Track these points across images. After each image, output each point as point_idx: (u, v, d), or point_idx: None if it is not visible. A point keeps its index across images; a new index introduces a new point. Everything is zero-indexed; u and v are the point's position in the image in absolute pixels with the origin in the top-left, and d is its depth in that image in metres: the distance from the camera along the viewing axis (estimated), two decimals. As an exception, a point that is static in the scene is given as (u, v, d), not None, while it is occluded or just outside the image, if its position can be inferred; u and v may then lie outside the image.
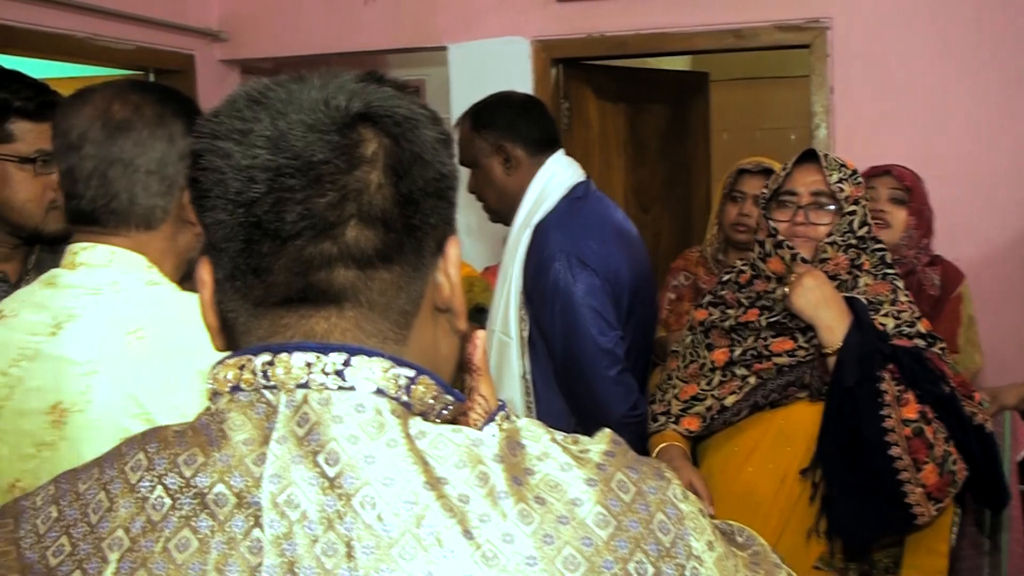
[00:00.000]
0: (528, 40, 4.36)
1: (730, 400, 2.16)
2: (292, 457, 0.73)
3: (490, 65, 4.35)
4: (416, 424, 0.76)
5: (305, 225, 0.76)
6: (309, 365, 0.77)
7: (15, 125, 2.07)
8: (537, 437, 0.78)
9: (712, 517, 0.82)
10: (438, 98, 5.54)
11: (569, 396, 2.56)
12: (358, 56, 4.72)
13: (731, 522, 0.88)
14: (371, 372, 0.77)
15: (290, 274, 0.78)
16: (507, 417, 0.87)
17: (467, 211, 4.40)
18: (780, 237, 2.14)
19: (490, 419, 0.88)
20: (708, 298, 2.34)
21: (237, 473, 0.74)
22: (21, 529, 0.79)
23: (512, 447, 0.76)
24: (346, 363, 0.77)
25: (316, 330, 0.79)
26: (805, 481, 2.05)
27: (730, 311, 2.24)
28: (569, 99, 4.48)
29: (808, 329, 2.09)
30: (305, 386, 0.76)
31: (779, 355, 2.12)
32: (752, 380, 2.14)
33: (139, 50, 4.21)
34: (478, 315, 3.12)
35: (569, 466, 0.76)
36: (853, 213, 2.12)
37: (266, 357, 0.78)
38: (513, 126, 2.65)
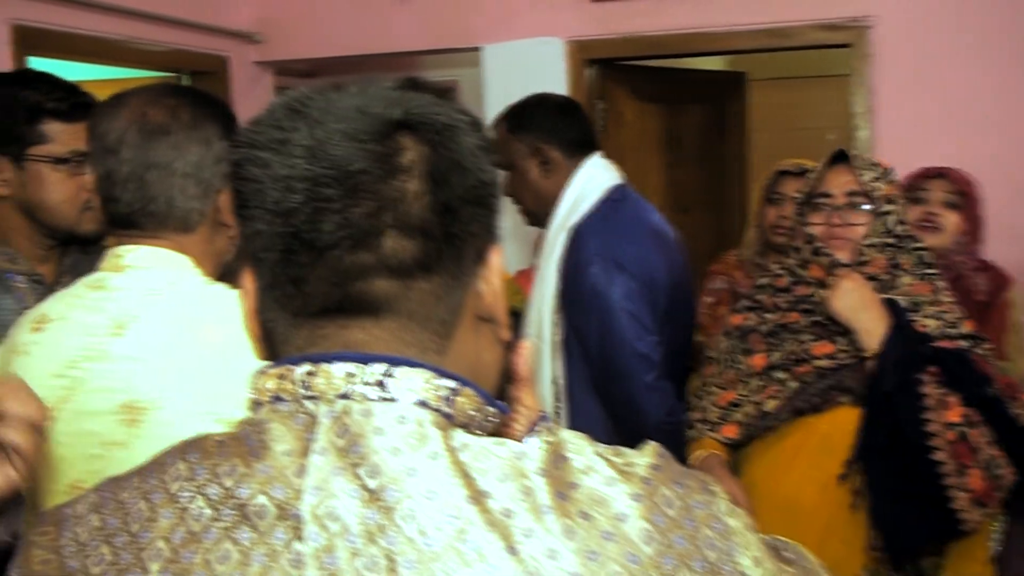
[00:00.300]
0: (563, 40, 4.35)
1: (770, 405, 2.14)
2: (333, 469, 0.74)
3: (524, 66, 4.34)
4: (458, 436, 0.76)
5: (343, 235, 0.77)
6: (350, 375, 0.77)
7: (48, 126, 2.08)
8: (581, 449, 0.77)
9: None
10: (472, 99, 5.53)
11: (606, 401, 2.55)
12: (392, 57, 4.73)
13: (779, 537, 0.86)
14: (413, 383, 0.77)
15: (328, 284, 0.78)
16: (550, 428, 0.85)
17: (502, 213, 4.38)
18: (817, 244, 2.13)
19: (533, 430, 0.91)
20: (744, 302, 2.33)
21: (278, 484, 0.74)
22: (63, 537, 0.80)
23: (556, 460, 0.75)
24: (387, 374, 0.77)
25: (353, 340, 0.79)
26: (848, 487, 2.03)
27: (768, 315, 2.23)
28: (605, 100, 4.47)
29: (849, 332, 2.07)
30: (346, 397, 0.76)
31: (819, 358, 2.11)
32: (792, 384, 2.12)
33: (173, 52, 4.24)
34: (510, 319, 3.10)
35: (614, 480, 0.75)
36: (889, 212, 2.10)
37: (307, 367, 0.78)
38: (550, 128, 2.65)
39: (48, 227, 2.14)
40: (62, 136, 2.09)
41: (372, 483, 0.73)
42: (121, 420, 1.39)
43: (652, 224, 2.68)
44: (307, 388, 0.77)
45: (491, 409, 0.82)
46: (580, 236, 2.54)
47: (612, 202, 2.61)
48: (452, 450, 0.74)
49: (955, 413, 1.94)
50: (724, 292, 3.35)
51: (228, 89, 4.54)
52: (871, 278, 2.10)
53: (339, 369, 0.77)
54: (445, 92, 0.85)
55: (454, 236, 0.80)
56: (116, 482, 0.82)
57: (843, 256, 2.11)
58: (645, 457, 0.79)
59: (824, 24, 4.05)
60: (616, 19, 4.28)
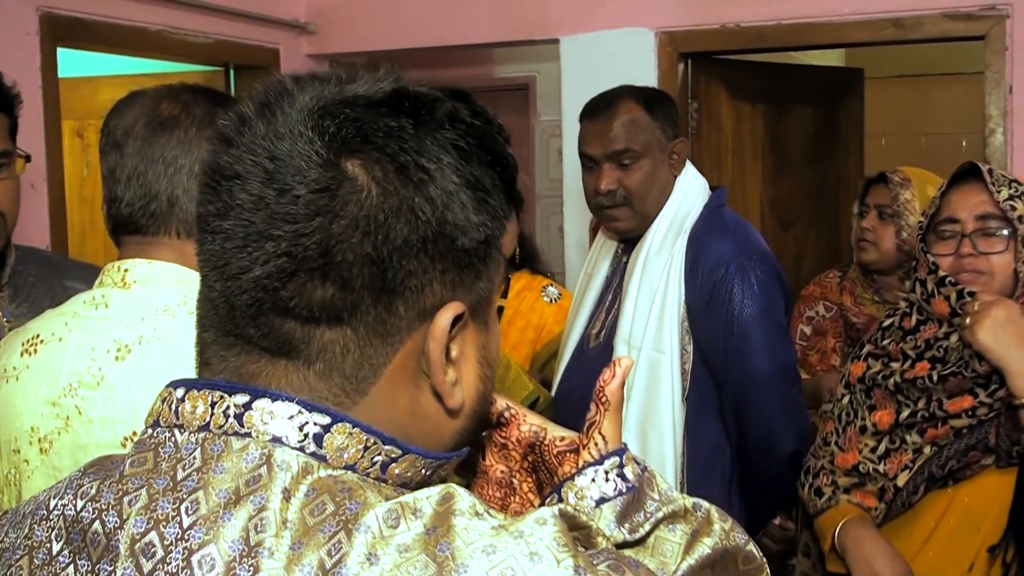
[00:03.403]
0: (652, 31, 4.34)
1: (902, 479, 2.05)
2: (160, 502, 0.76)
3: (608, 60, 4.32)
4: (319, 479, 0.76)
5: (254, 265, 0.78)
6: (213, 405, 0.79)
7: None
8: (471, 513, 0.73)
9: None
10: (548, 98, 5.51)
11: (734, 424, 2.54)
12: (459, 51, 4.74)
13: None
14: (272, 417, 0.78)
15: (235, 310, 0.80)
16: (620, 466, 0.91)
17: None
18: (942, 273, 2.03)
19: (599, 462, 0.91)
20: (867, 348, 2.23)
21: (113, 512, 0.78)
22: None
23: (393, 515, 0.73)
24: (247, 406, 0.78)
25: (243, 371, 0.81)
26: (995, 566, 1.94)
27: (894, 365, 2.12)
28: (698, 99, 4.47)
29: (989, 382, 1.96)
30: (206, 428, 0.79)
31: (956, 416, 2.00)
32: (927, 451, 2.03)
33: (219, 44, 4.30)
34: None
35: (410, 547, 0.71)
36: None
37: (180, 392, 0.81)
38: (678, 120, 2.69)
39: None
40: None
41: (187, 520, 0.74)
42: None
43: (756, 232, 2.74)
44: (177, 416, 0.81)
45: (391, 448, 0.80)
46: (704, 241, 2.55)
47: (717, 208, 2.64)
48: (287, 494, 0.75)
49: None
50: (827, 321, 3.34)
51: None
52: None
53: (205, 398, 0.80)
54: (448, 113, 0.82)
55: (382, 290, 0.79)
56: (40, 493, 0.87)
57: (978, 290, 2.00)
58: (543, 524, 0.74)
59: (954, 13, 3.99)
60: (714, 7, 4.26)
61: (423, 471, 0.83)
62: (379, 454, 0.79)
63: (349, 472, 0.78)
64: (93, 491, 0.80)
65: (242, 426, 0.77)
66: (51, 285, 2.06)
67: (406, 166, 0.78)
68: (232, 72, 4.52)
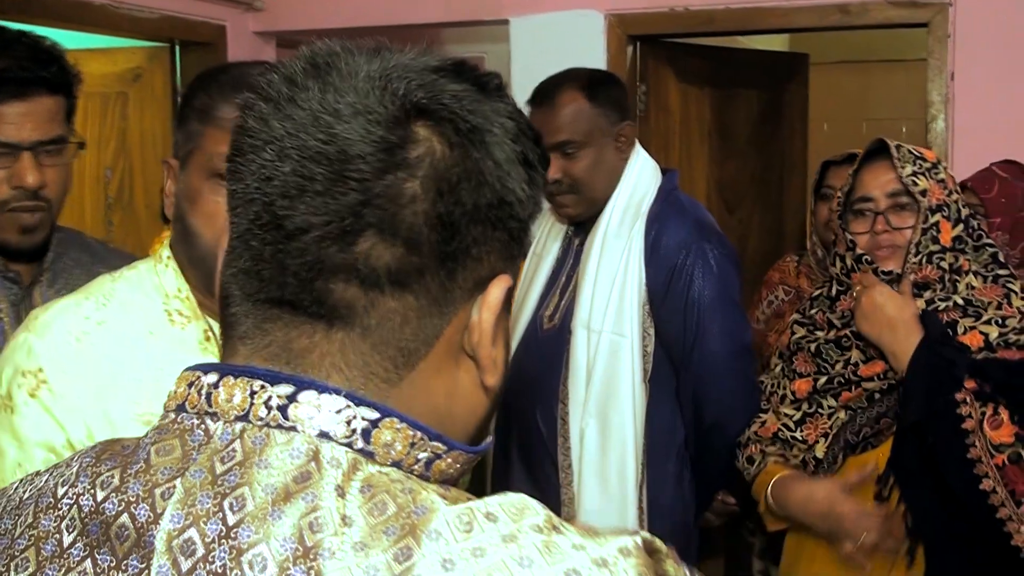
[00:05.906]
0: (602, 13, 4.35)
1: (820, 449, 2.14)
2: (199, 497, 0.73)
3: (557, 41, 4.33)
4: (367, 476, 0.73)
5: (316, 222, 0.75)
6: (253, 395, 0.76)
7: None
8: (521, 514, 0.71)
9: None
10: (497, 78, 5.47)
11: (691, 403, 2.57)
12: (409, 30, 4.71)
13: None
14: (318, 411, 0.75)
15: (287, 273, 0.76)
16: None
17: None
18: (859, 251, 2.11)
19: None
20: (795, 317, 2.33)
21: (144, 505, 0.74)
22: None
23: (465, 522, 0.70)
24: (291, 397, 0.75)
25: (294, 346, 0.77)
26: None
27: (819, 332, 2.21)
28: (647, 81, 4.47)
29: None
30: (245, 418, 0.75)
31: (869, 380, 2.09)
32: (842, 415, 2.12)
33: (163, 19, 4.25)
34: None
35: (529, 560, 0.68)
36: (938, 209, 2.07)
37: (213, 378, 0.77)
38: (625, 103, 2.71)
39: None
40: None
41: (232, 518, 0.71)
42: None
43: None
44: (209, 403, 0.77)
45: (438, 444, 0.78)
46: (664, 224, 2.59)
47: (672, 190, 2.69)
48: (341, 492, 0.72)
49: (1005, 432, 1.91)
50: (786, 304, 3.40)
51: (224, 62, 4.51)
52: (923, 286, 2.07)
53: (243, 386, 0.76)
54: (488, 85, 0.82)
55: (448, 256, 0.77)
56: (35, 475, 0.84)
57: (891, 267, 2.09)
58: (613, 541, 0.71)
59: (898, 1, 4.03)
60: (663, -10, 4.28)
61: (461, 466, 0.81)
62: (425, 450, 0.77)
63: (395, 469, 0.75)
64: (116, 481, 0.76)
65: (287, 419, 0.74)
66: (88, 271, 2.05)
67: (476, 128, 0.78)
68: (178, 49, 4.46)
